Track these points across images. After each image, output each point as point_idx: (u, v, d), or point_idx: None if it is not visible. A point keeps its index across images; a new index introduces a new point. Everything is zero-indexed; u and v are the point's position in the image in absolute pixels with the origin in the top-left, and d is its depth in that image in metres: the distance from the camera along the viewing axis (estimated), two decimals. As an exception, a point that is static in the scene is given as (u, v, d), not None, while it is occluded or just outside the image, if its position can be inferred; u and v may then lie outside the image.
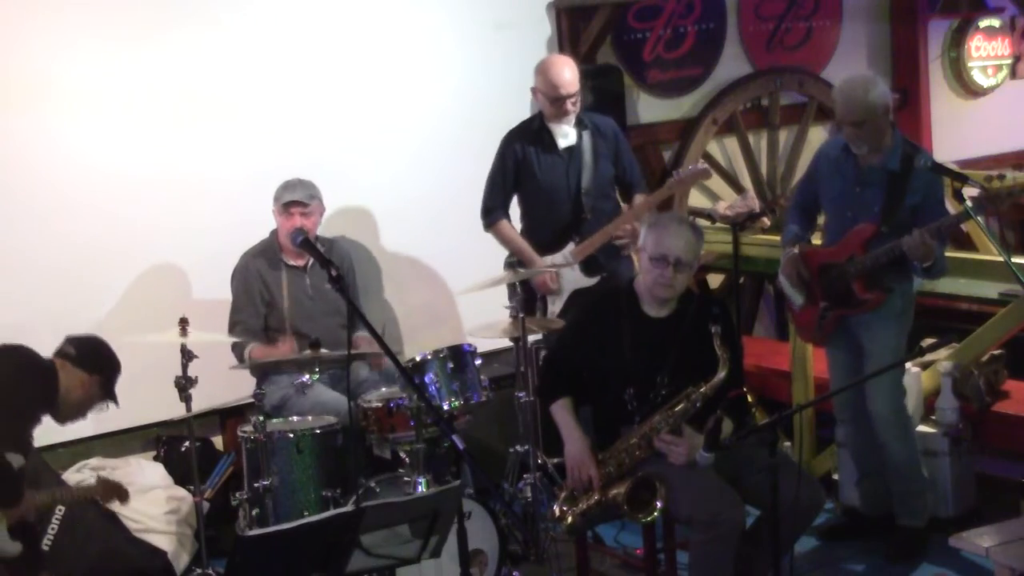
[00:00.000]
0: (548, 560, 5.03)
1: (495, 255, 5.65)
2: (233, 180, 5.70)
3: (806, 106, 7.36)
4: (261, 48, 5.80)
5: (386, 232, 6.15)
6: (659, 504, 4.02)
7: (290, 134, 5.84)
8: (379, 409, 4.81)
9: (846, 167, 4.81)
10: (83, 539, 4.92)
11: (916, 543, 4.90)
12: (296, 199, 5.29)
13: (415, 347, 5.50)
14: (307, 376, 5.01)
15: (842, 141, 4.84)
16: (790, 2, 7.43)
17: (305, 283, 5.42)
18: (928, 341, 4.12)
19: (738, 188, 7.06)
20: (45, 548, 4.81)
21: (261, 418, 4.75)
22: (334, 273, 3.96)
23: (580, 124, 5.54)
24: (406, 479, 4.74)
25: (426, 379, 4.81)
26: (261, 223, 5.45)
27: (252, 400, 4.81)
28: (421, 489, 4.63)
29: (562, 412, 4.33)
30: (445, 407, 4.77)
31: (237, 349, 5.29)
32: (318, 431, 4.81)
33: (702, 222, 5.62)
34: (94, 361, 4.48)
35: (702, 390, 4.13)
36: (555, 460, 5.07)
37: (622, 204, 5.71)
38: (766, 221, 6.12)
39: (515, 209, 5.74)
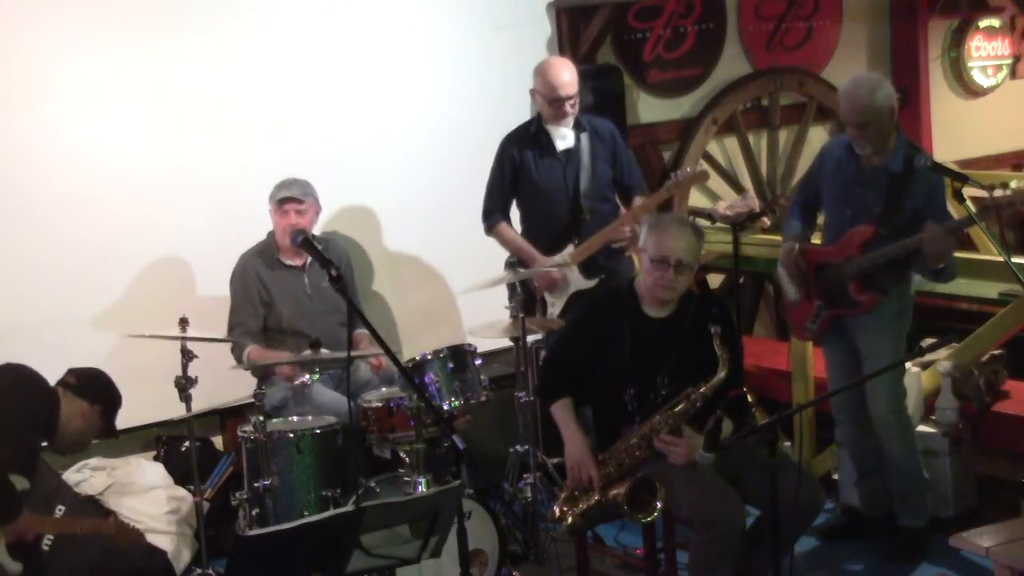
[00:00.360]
0: (548, 560, 5.03)
1: (495, 255, 5.66)
2: (234, 180, 5.70)
3: (806, 106, 7.36)
4: (262, 49, 5.80)
5: (386, 232, 6.15)
6: (659, 504, 4.02)
7: (290, 134, 5.84)
8: (379, 409, 4.81)
9: (848, 166, 4.81)
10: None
11: (916, 543, 4.90)
12: (290, 195, 5.30)
13: (415, 347, 5.50)
14: (307, 376, 5.01)
15: (846, 140, 4.84)
16: (790, 2, 7.43)
17: (303, 282, 5.42)
18: (928, 341, 4.13)
19: (738, 188, 7.06)
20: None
21: (261, 418, 4.75)
22: (334, 273, 3.96)
23: (578, 126, 5.54)
24: (406, 479, 4.74)
25: (426, 379, 4.81)
26: (262, 223, 5.46)
27: (252, 400, 4.81)
28: (421, 489, 4.63)
29: (562, 412, 4.33)
30: (445, 407, 4.77)
31: (236, 350, 5.29)
32: (318, 431, 4.81)
33: (702, 222, 5.60)
34: (95, 391, 4.53)
35: (702, 390, 4.13)
36: (555, 460, 5.07)
37: (621, 207, 5.71)
38: (766, 221, 6.11)
39: (515, 213, 5.74)
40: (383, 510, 3.47)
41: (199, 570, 4.95)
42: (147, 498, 5.24)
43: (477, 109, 6.27)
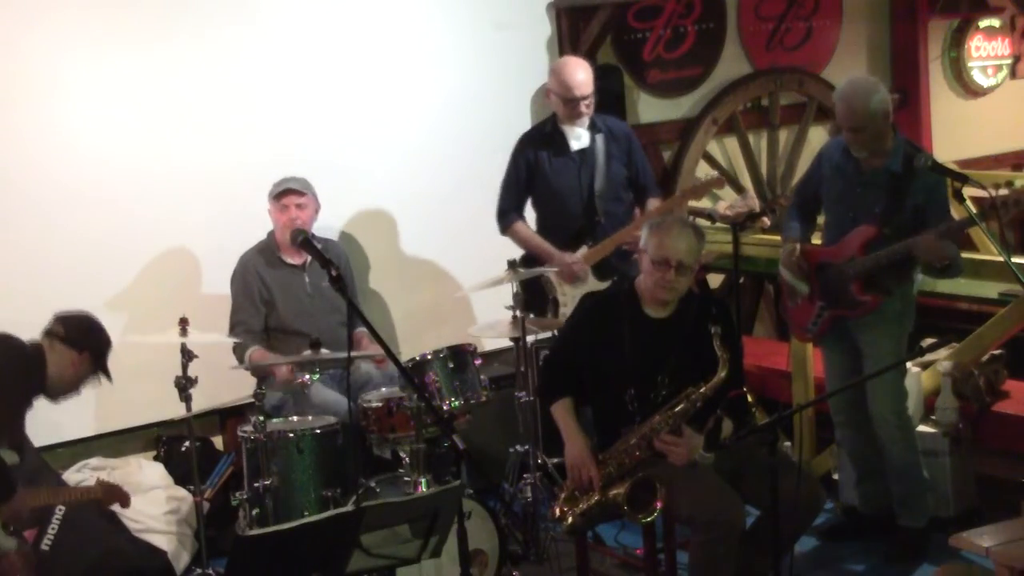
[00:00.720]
0: (548, 560, 5.03)
1: (495, 255, 5.64)
2: (235, 179, 5.70)
3: (806, 106, 7.36)
4: (264, 49, 5.80)
5: (385, 232, 6.15)
6: (659, 504, 4.02)
7: (291, 134, 5.85)
8: (379, 409, 4.81)
9: (847, 168, 4.81)
10: (83, 539, 4.91)
11: (916, 543, 4.90)
12: (291, 187, 5.30)
13: (415, 347, 5.50)
14: (307, 376, 5.01)
15: (843, 142, 4.84)
16: (790, 2, 7.43)
17: (304, 281, 5.43)
18: (928, 341, 4.12)
19: (738, 188, 7.06)
20: (45, 548, 4.80)
21: (261, 418, 4.75)
22: (334, 273, 3.97)
23: (593, 127, 5.55)
24: (406, 479, 4.74)
25: (426, 379, 4.81)
26: (263, 222, 5.46)
27: (252, 400, 4.81)
28: (421, 489, 4.63)
29: (562, 412, 4.33)
30: (445, 407, 4.77)
31: (238, 350, 5.29)
32: (318, 431, 4.81)
33: (702, 222, 5.61)
34: (83, 339, 4.51)
35: (702, 390, 4.13)
36: (555, 460, 5.07)
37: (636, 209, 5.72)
38: (766, 221, 6.12)
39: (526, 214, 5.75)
40: (383, 510, 3.47)
41: (199, 570, 4.95)
42: (147, 498, 5.23)
43: (477, 109, 6.27)
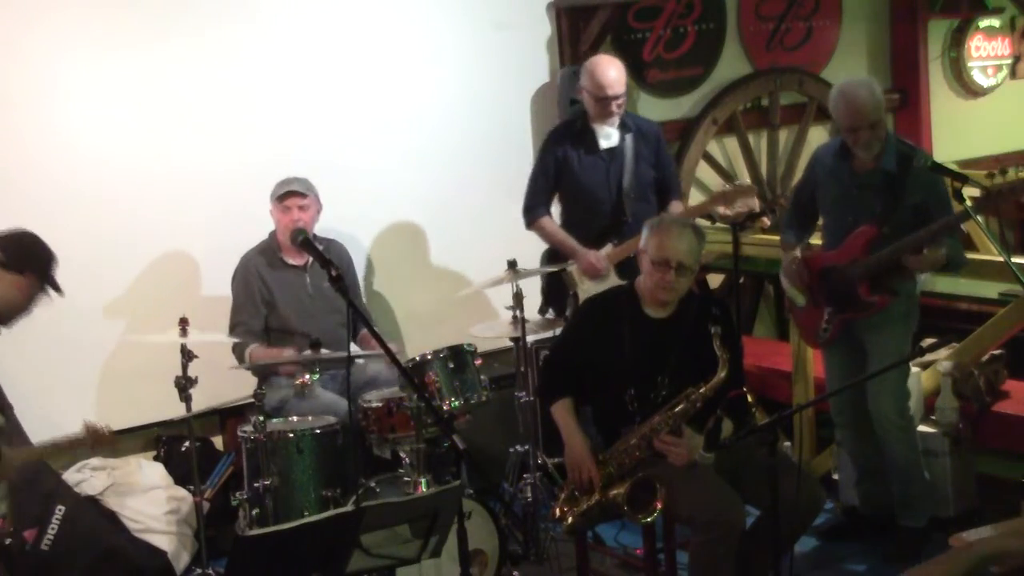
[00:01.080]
0: (548, 560, 5.04)
1: (495, 255, 5.64)
2: (235, 179, 5.69)
3: (806, 106, 7.36)
4: (264, 49, 5.80)
5: (386, 232, 6.15)
6: (659, 504, 4.02)
7: (292, 134, 5.84)
8: (379, 409, 4.81)
9: (842, 172, 4.81)
10: (83, 539, 4.92)
11: (916, 543, 4.89)
12: (294, 190, 5.30)
13: (416, 347, 5.50)
14: (307, 376, 5.01)
15: (835, 146, 4.84)
16: (790, 2, 7.43)
17: (305, 282, 5.43)
18: (928, 341, 4.12)
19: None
20: (45, 548, 4.81)
21: (261, 418, 4.75)
22: (334, 273, 3.98)
23: (624, 127, 5.55)
24: (406, 479, 4.74)
25: (426, 379, 4.80)
26: (263, 223, 5.46)
27: (252, 400, 4.81)
28: (421, 489, 4.63)
29: (562, 413, 4.33)
30: (445, 407, 4.77)
31: (238, 350, 5.29)
32: (318, 431, 4.81)
33: (702, 222, 5.61)
34: (24, 261, 4.41)
35: (702, 390, 4.13)
36: (555, 460, 5.07)
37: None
38: (766, 221, 6.11)
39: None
40: (383, 510, 3.47)
41: (199, 570, 4.95)
42: (147, 498, 5.24)
43: (477, 109, 6.27)
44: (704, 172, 7.09)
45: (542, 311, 5.68)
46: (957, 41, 8.11)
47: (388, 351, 4.05)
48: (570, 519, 4.23)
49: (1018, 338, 5.25)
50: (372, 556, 3.47)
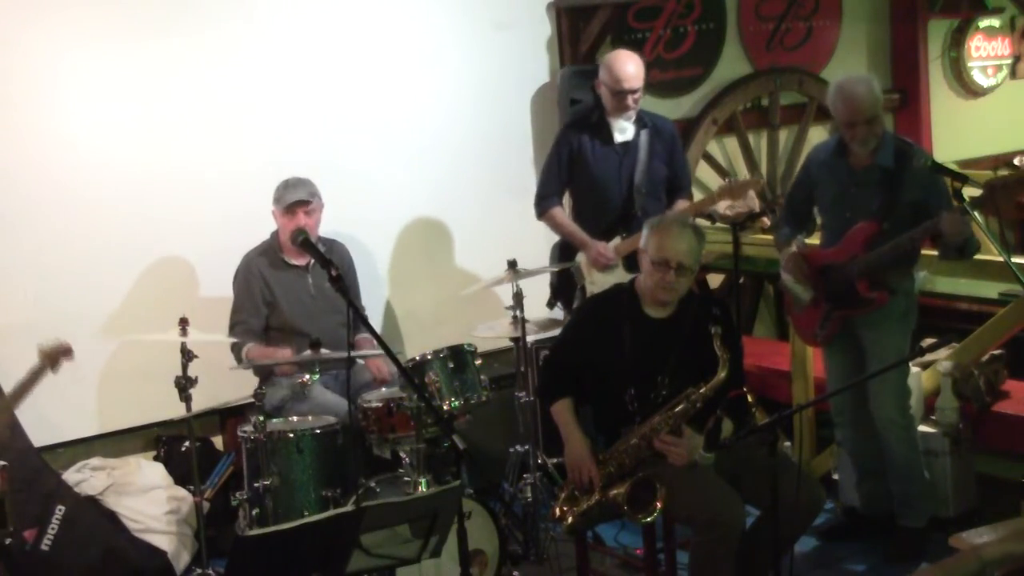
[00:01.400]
0: (548, 560, 5.04)
1: (496, 255, 5.65)
2: (236, 179, 5.69)
3: (806, 106, 7.36)
4: (263, 49, 5.80)
5: (387, 232, 6.15)
6: (659, 504, 4.02)
7: (291, 134, 5.84)
8: (379, 409, 4.81)
9: (839, 170, 4.81)
10: (83, 539, 4.93)
11: (916, 543, 4.90)
12: (300, 199, 5.30)
13: (416, 347, 5.50)
14: (307, 376, 5.01)
15: (831, 144, 4.84)
16: (790, 2, 7.43)
17: (307, 283, 5.43)
18: (928, 341, 4.12)
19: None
20: (45, 548, 4.81)
21: (261, 418, 4.75)
22: (334, 273, 3.98)
23: (639, 122, 5.57)
24: (406, 479, 4.74)
25: (426, 379, 4.80)
26: (264, 222, 5.45)
27: (252, 400, 4.81)
28: (421, 489, 4.63)
29: (562, 413, 4.33)
30: (445, 407, 4.77)
31: (236, 349, 5.29)
32: (318, 431, 4.81)
33: (702, 222, 5.61)
34: None
35: (702, 391, 4.13)
36: (555, 460, 5.07)
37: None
38: (766, 221, 6.12)
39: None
40: (383, 510, 3.47)
41: (199, 570, 4.95)
42: (147, 498, 5.24)
43: (477, 109, 6.27)
44: (704, 172, 7.09)
45: (550, 304, 5.69)
46: (957, 41, 8.11)
47: (388, 351, 4.05)
48: (570, 519, 4.23)
49: (1018, 338, 5.25)
50: (372, 556, 3.47)
